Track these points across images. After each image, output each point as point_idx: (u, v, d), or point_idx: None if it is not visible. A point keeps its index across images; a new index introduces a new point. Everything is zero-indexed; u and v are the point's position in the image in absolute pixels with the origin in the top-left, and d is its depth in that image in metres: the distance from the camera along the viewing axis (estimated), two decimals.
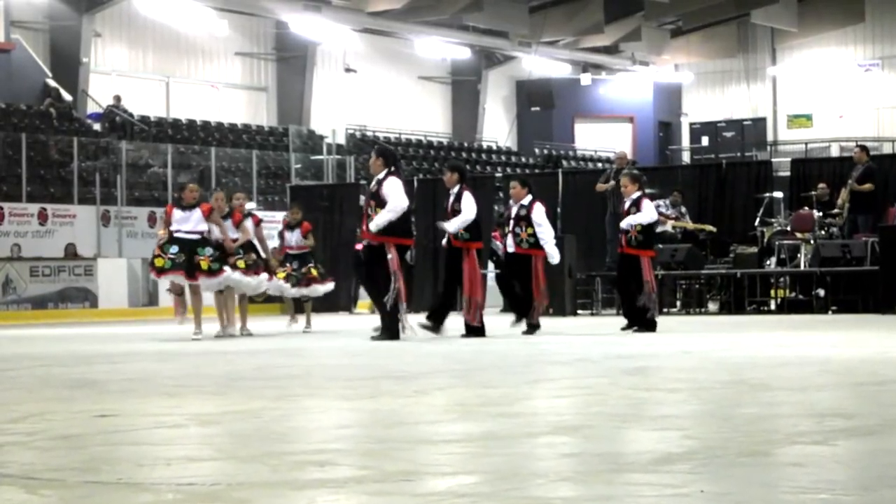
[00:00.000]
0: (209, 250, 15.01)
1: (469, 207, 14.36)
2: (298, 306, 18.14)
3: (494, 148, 47.00)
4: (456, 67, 47.17)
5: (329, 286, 18.06)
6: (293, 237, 17.65)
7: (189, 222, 14.97)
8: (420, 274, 25.88)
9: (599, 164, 44.01)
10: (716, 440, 4.87)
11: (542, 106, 47.58)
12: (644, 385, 7.59)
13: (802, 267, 21.78)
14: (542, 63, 46.82)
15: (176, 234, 14.97)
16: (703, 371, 8.67)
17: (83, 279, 26.81)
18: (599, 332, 15.39)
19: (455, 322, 14.77)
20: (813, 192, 22.70)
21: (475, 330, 14.32)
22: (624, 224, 15.20)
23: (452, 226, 14.33)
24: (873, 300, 20.79)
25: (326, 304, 24.49)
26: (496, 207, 26.56)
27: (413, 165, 39.14)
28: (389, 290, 13.54)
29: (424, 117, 46.18)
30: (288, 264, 17.44)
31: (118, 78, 37.71)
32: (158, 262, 14.96)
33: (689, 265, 22.49)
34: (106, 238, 29.54)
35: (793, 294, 22.45)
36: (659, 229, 20.48)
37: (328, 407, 6.64)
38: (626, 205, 15.42)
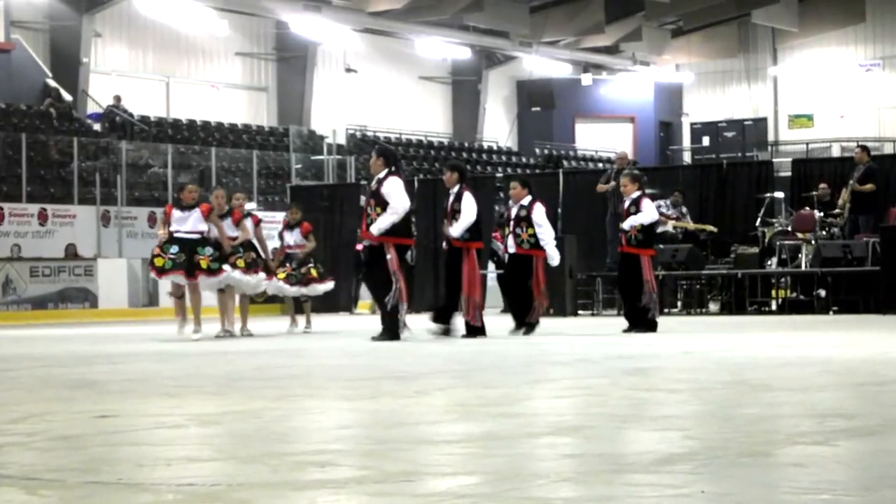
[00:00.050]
0: (209, 250, 15.02)
1: (469, 209, 14.34)
2: (299, 308, 18.13)
3: (495, 148, 47.01)
4: (456, 67, 47.16)
5: (329, 285, 18.05)
6: (292, 237, 17.64)
7: (188, 222, 14.97)
8: (420, 274, 25.88)
9: (600, 165, 44.02)
10: (717, 441, 4.87)
11: (542, 106, 47.60)
12: (645, 385, 7.58)
13: (803, 267, 21.78)
14: (543, 63, 46.82)
15: (175, 234, 14.97)
16: (703, 371, 8.66)
17: (83, 279, 26.81)
18: (600, 333, 15.39)
19: (457, 322, 14.74)
20: (814, 193, 22.70)
21: (475, 330, 14.31)
22: (625, 225, 15.19)
23: (457, 231, 14.30)
24: (874, 300, 20.79)
25: (327, 305, 24.50)
26: (497, 208, 26.55)
27: (413, 165, 39.14)
28: (391, 291, 13.54)
29: (425, 117, 46.19)
30: (287, 264, 17.44)
31: (118, 78, 37.72)
32: (158, 262, 14.96)
33: (689, 265, 22.49)
34: (106, 238, 29.54)
35: (794, 294, 22.44)
36: (660, 229, 20.48)
37: (328, 407, 6.63)
38: (626, 204, 15.42)
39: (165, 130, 35.86)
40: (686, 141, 49.66)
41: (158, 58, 39.03)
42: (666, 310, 21.37)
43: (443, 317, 14.50)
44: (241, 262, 15.57)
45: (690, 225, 23.51)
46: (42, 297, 26.17)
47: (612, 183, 22.04)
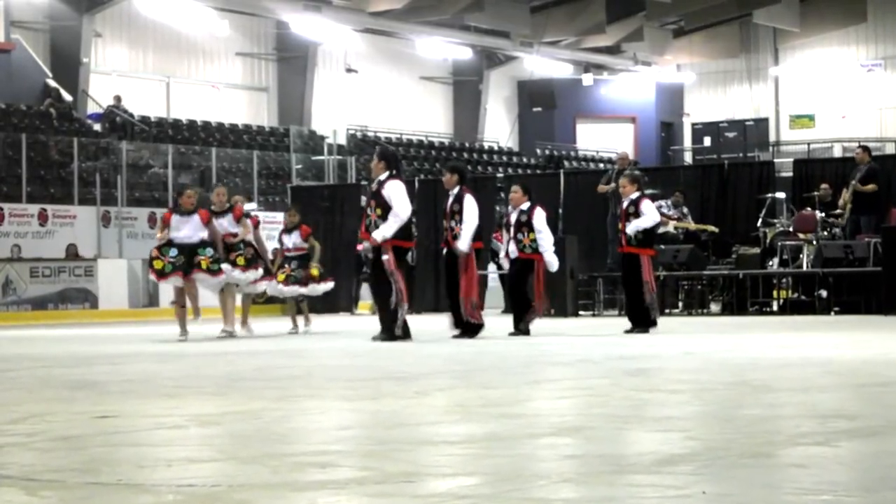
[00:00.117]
0: (209, 251, 15.04)
1: (472, 215, 14.33)
2: (300, 310, 18.10)
3: (496, 148, 47.02)
4: (457, 67, 47.17)
5: (329, 285, 18.04)
6: (291, 239, 17.62)
7: (187, 229, 14.98)
8: (421, 275, 25.90)
9: (601, 165, 44.04)
10: (718, 441, 4.86)
11: (543, 106, 47.59)
12: (646, 386, 7.57)
13: (805, 268, 21.77)
14: (544, 63, 46.82)
15: (175, 240, 15.00)
16: (705, 372, 8.65)
17: (83, 280, 26.81)
18: (601, 333, 15.38)
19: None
20: (815, 193, 22.69)
21: (472, 327, 14.29)
22: (630, 230, 15.15)
23: (465, 245, 14.28)
24: (876, 301, 20.77)
25: (327, 305, 24.51)
26: (497, 208, 26.55)
27: (414, 166, 39.15)
28: (392, 292, 13.54)
29: (426, 118, 46.19)
30: (287, 265, 17.43)
31: (118, 78, 37.72)
32: (157, 265, 14.97)
33: (691, 266, 22.48)
34: (106, 239, 29.53)
35: (795, 295, 22.42)
36: (661, 230, 20.46)
37: (329, 408, 6.62)
38: (625, 205, 15.41)
39: (166, 131, 35.87)
40: (687, 141, 49.67)
41: (159, 58, 39.03)
42: (667, 310, 21.37)
43: (459, 323, 14.47)
44: (241, 260, 15.59)
45: (692, 225, 23.50)
46: (42, 298, 26.17)
47: (613, 185, 22.03)
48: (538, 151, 47.33)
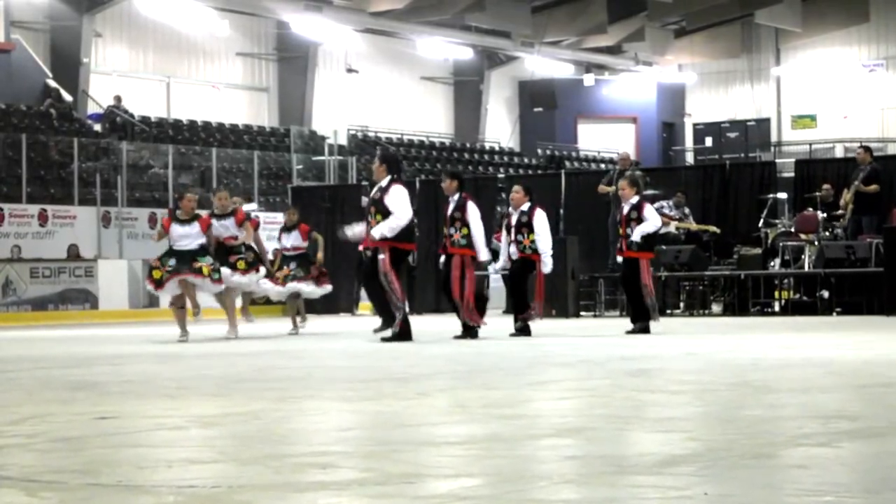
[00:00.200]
0: (209, 259, 15.05)
1: (478, 226, 14.37)
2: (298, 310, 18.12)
3: (497, 149, 47.02)
4: (458, 68, 47.17)
5: (327, 288, 18.01)
6: (290, 239, 17.63)
7: (187, 239, 14.98)
8: (422, 276, 25.89)
9: (602, 165, 44.06)
10: (720, 442, 4.85)
11: (544, 106, 47.58)
12: (647, 387, 7.57)
13: (806, 268, 21.76)
14: (545, 63, 46.82)
15: (175, 248, 15.00)
16: (706, 373, 8.64)
17: (83, 280, 26.80)
18: (602, 334, 15.39)
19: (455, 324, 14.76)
20: (817, 193, 22.67)
21: (471, 329, 14.29)
22: (635, 236, 15.13)
23: (483, 255, 14.56)
24: (878, 302, 20.76)
25: (328, 306, 24.50)
26: (498, 209, 26.54)
27: (415, 166, 39.15)
28: (385, 292, 13.59)
29: (426, 118, 46.19)
30: (286, 266, 17.44)
31: (118, 78, 37.73)
32: (156, 274, 14.96)
33: (692, 266, 22.47)
34: (106, 239, 29.52)
35: (797, 295, 22.41)
36: (662, 230, 20.46)
37: (330, 409, 6.62)
38: (626, 209, 15.38)
39: (166, 131, 35.86)
40: (689, 141, 49.66)
41: (159, 58, 39.03)
42: (669, 311, 21.37)
43: (464, 327, 14.49)
44: (241, 264, 15.61)
45: (693, 226, 23.49)
46: (42, 299, 26.16)
47: (613, 187, 22.01)
48: (539, 152, 47.34)
